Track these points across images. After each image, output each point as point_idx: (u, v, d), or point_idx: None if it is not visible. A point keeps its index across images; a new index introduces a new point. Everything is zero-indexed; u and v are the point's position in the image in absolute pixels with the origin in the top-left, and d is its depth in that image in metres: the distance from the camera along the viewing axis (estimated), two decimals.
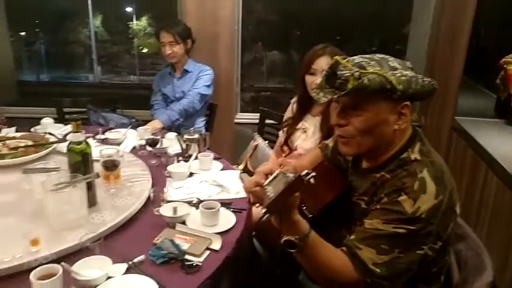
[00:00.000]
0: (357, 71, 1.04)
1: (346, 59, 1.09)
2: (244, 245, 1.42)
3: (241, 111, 3.35)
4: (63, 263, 1.07)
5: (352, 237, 1.09)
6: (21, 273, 1.09)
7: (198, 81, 2.76)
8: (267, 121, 2.81)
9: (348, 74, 1.05)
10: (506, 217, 2.00)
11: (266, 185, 1.02)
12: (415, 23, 3.19)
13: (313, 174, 0.93)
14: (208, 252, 1.26)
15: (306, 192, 1.02)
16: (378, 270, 1.02)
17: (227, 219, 1.43)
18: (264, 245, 1.52)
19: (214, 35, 2.94)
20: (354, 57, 1.10)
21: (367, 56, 1.10)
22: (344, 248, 1.08)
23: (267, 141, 2.42)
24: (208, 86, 2.76)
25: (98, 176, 1.40)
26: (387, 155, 1.14)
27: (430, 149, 1.14)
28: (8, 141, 1.94)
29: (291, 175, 0.94)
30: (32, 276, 1.03)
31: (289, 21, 3.62)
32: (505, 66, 2.68)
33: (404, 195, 1.03)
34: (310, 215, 1.06)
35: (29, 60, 4.36)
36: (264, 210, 0.99)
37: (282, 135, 2.17)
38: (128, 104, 3.22)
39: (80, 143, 1.39)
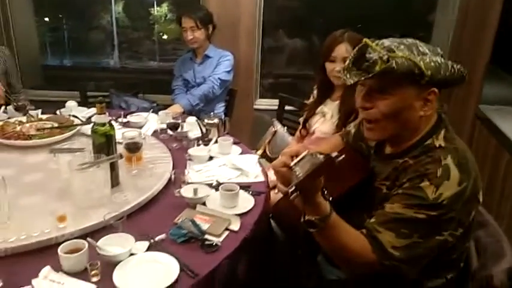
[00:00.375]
0: (386, 54, 1.03)
1: (375, 42, 1.08)
2: (262, 226, 1.44)
3: (261, 98, 3.36)
4: (88, 239, 1.12)
5: (373, 220, 1.10)
6: (49, 248, 1.14)
7: (219, 66, 2.77)
8: (287, 107, 2.81)
9: (376, 57, 1.05)
10: None
11: (294, 165, 1.02)
12: (441, 10, 3.11)
13: (343, 156, 0.93)
14: (227, 232, 1.29)
15: (328, 177, 1.03)
16: (397, 253, 1.03)
17: (246, 201, 1.46)
18: (282, 227, 1.54)
19: (235, 20, 2.94)
20: (383, 40, 1.09)
21: (397, 39, 1.08)
22: (364, 231, 1.09)
23: (286, 128, 2.43)
24: (228, 71, 2.77)
25: (121, 156, 1.44)
26: (411, 141, 1.13)
27: (455, 136, 1.13)
28: (35, 123, 2.00)
29: (321, 156, 0.95)
30: (60, 250, 1.08)
31: (311, 8, 3.57)
32: None
33: (427, 181, 1.03)
34: (330, 198, 1.07)
35: (52, 46, 4.43)
36: (292, 189, 0.99)
37: (301, 120, 2.18)
38: (149, 88, 3.26)
39: (104, 124, 1.42)
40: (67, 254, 1.08)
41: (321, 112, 2.07)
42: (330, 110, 2.03)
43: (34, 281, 1.02)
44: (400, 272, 1.06)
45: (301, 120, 2.20)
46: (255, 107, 3.23)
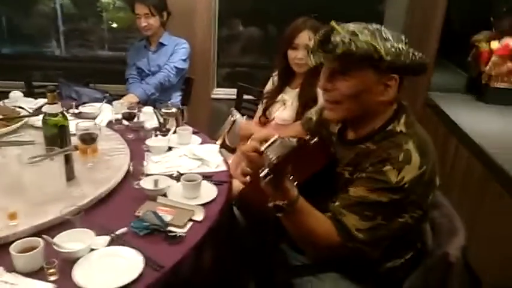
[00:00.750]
0: (349, 38, 1.05)
1: (341, 26, 1.09)
2: (225, 215, 1.43)
3: (218, 87, 3.32)
4: (44, 236, 1.06)
5: (337, 203, 1.12)
6: (0, 247, 1.06)
7: (174, 54, 2.70)
8: (245, 97, 2.80)
9: (339, 40, 1.06)
10: (475, 188, 2.10)
11: (265, 149, 1.02)
12: (390, 3, 3.21)
13: (316, 139, 0.94)
14: (191, 223, 1.27)
15: (293, 163, 1.04)
16: (361, 235, 1.06)
17: (209, 191, 1.44)
18: (245, 215, 1.54)
19: (190, 7, 2.88)
20: (349, 24, 1.11)
21: (363, 24, 1.10)
22: (328, 214, 1.11)
23: (244, 117, 2.41)
24: (184, 60, 2.71)
25: (76, 148, 1.37)
26: (372, 127, 1.16)
27: (415, 122, 1.17)
28: None
29: (294, 140, 0.95)
30: (12, 249, 1.01)
31: None
32: (476, 44, 2.76)
33: (389, 165, 1.06)
34: (295, 183, 1.08)
35: None
36: (265, 173, 0.99)
37: (260, 107, 2.18)
38: (101, 78, 3.12)
39: (56, 115, 1.35)
40: (20, 253, 1.01)
41: (282, 100, 2.08)
42: (290, 97, 2.05)
43: None
44: (363, 254, 1.09)
45: (260, 108, 2.20)
46: (213, 96, 3.19)
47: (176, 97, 2.80)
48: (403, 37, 1.12)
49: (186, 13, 2.88)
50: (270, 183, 1.03)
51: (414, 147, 1.07)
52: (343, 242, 1.08)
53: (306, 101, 1.89)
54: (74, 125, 1.54)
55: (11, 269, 1.00)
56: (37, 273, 1.01)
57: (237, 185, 1.49)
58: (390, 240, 1.11)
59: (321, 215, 1.12)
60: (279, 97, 2.07)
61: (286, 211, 1.06)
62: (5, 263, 1.01)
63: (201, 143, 1.87)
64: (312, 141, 0.96)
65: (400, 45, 1.08)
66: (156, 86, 2.60)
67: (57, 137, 1.35)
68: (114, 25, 4.30)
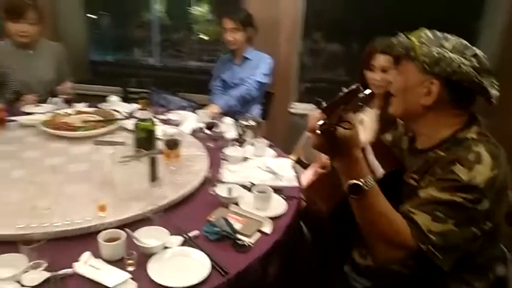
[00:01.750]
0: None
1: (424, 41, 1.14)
2: (293, 231, 1.45)
3: (298, 101, 3.36)
4: (126, 229, 1.17)
5: (406, 205, 1.10)
6: (90, 235, 1.19)
7: (257, 69, 2.80)
8: None
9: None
10: None
11: None
12: (487, 17, 3.01)
13: (369, 91, 0.93)
14: (259, 234, 1.31)
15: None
16: (433, 237, 1.03)
17: (279, 205, 1.47)
18: (312, 231, 1.55)
19: (275, 23, 2.97)
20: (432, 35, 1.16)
21: (441, 34, 1.15)
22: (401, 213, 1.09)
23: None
24: (266, 74, 2.80)
25: (161, 152, 1.49)
26: (441, 135, 1.16)
27: (488, 134, 1.15)
28: (81, 115, 2.10)
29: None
30: (100, 237, 1.13)
31: (352, 12, 3.54)
32: None
33: (459, 165, 1.04)
34: None
35: (99, 42, 4.63)
36: (321, 123, 0.95)
37: None
38: (188, 87, 3.34)
39: (146, 120, 1.48)
40: (106, 242, 1.13)
41: (359, 120, 2.06)
42: (368, 118, 2.02)
43: (76, 265, 1.08)
44: (435, 262, 1.04)
45: None
46: (291, 110, 3.24)
47: (256, 110, 2.89)
48: (471, 51, 1.10)
49: (271, 28, 2.98)
50: (328, 134, 0.96)
51: (485, 150, 1.06)
52: (416, 243, 1.04)
53: (385, 123, 1.85)
54: (161, 131, 1.67)
55: (97, 255, 1.12)
56: (118, 262, 1.11)
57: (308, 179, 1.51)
58: (461, 252, 1.06)
59: (394, 209, 1.08)
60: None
61: (363, 190, 1.02)
62: (92, 249, 1.13)
63: (276, 156, 1.91)
64: (363, 92, 0.92)
65: (451, 54, 1.08)
66: (238, 99, 2.71)
67: (145, 140, 1.48)
68: (204, 37, 4.57)
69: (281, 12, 2.96)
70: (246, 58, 2.85)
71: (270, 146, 2.02)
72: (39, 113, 2.15)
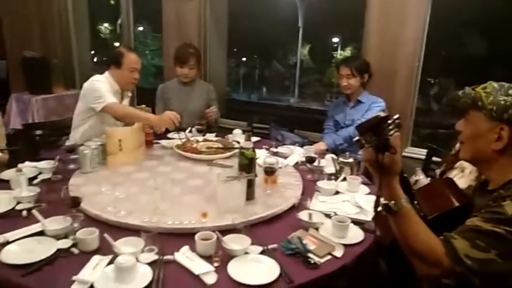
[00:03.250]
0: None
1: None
2: (369, 262, 1.55)
3: (413, 146, 3.34)
4: (218, 233, 1.45)
5: (451, 232, 1.18)
6: (190, 234, 1.49)
7: (369, 111, 2.92)
8: (435, 159, 2.77)
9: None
10: None
11: None
12: None
13: (397, 115, 1.10)
14: (329, 257, 1.46)
15: (427, 194, 1.26)
16: (469, 262, 1.08)
17: (356, 235, 1.60)
18: (390, 268, 1.62)
19: (392, 70, 3.08)
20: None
21: (506, 84, 1.23)
22: (441, 237, 1.17)
23: (429, 178, 2.41)
24: None
25: (256, 175, 1.77)
26: (507, 177, 1.21)
27: None
28: (206, 143, 2.54)
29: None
30: (197, 236, 1.44)
31: (477, 59, 3.42)
32: None
33: (509, 200, 1.10)
34: (421, 214, 1.19)
35: (244, 82, 5.28)
36: (356, 138, 1.16)
37: (437, 171, 2.17)
38: (306, 126, 3.61)
39: (248, 149, 1.78)
40: (201, 240, 1.43)
41: (460, 167, 2.03)
42: (469, 165, 1.98)
43: (176, 254, 1.40)
44: (471, 284, 1.09)
45: (437, 171, 2.19)
46: (404, 154, 3.23)
47: None
48: None
49: (388, 75, 3.08)
50: (378, 177, 1.15)
51: None
52: (451, 264, 1.10)
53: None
54: (262, 159, 1.96)
55: (193, 249, 1.43)
56: (207, 258, 1.39)
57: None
58: (506, 280, 1.08)
59: (430, 231, 1.17)
60: (458, 163, 2.03)
61: (393, 210, 1.16)
62: (190, 245, 1.44)
63: (368, 193, 2.02)
64: (391, 119, 1.09)
65: None
66: (345, 138, 2.87)
67: (246, 165, 1.77)
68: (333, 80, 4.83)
69: (399, 60, 3.05)
70: (359, 101, 3.00)
71: (366, 184, 2.13)
72: (177, 138, 2.67)
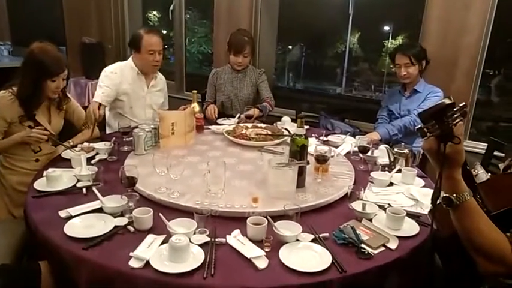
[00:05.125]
0: None
1: None
2: (424, 256, 1.48)
3: (472, 139, 3.16)
4: (269, 218, 1.44)
5: None
6: (242, 218, 1.50)
7: (426, 101, 2.79)
8: (496, 153, 2.60)
9: None
10: None
11: None
12: None
13: (464, 104, 1.02)
14: (383, 248, 1.42)
15: (490, 188, 1.17)
16: None
17: (411, 228, 1.54)
18: (445, 264, 1.54)
19: (452, 60, 2.92)
20: None
21: None
22: (507, 233, 1.10)
23: (489, 174, 2.27)
24: None
25: (308, 163, 1.74)
26: None
27: None
28: (255, 129, 2.53)
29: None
30: (248, 221, 1.44)
31: None
32: None
33: None
34: (484, 209, 1.11)
35: (290, 70, 5.23)
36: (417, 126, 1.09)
37: (501, 166, 2.04)
38: (356, 115, 3.52)
39: (301, 136, 1.75)
40: (252, 224, 1.42)
41: None
42: None
43: (228, 237, 1.41)
44: None
45: (501, 166, 2.05)
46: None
47: (419, 142, 2.87)
48: None
49: (447, 65, 2.93)
50: (429, 145, 1.07)
51: None
52: None
53: None
54: (314, 147, 1.92)
55: (244, 233, 1.43)
56: (258, 243, 1.39)
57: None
58: None
59: (495, 227, 1.09)
60: None
61: (454, 204, 1.08)
62: (241, 229, 1.44)
63: (423, 186, 1.93)
64: (457, 106, 1.01)
65: None
66: (400, 129, 2.76)
67: (298, 152, 1.74)
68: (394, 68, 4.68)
69: (460, 50, 2.89)
70: (416, 91, 2.87)
71: (422, 176, 2.04)
72: (226, 124, 2.68)
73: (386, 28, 4.90)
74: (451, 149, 1.05)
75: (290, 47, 5.29)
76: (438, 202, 1.13)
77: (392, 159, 2.13)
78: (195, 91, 2.73)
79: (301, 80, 5.31)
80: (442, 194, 1.11)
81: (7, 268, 1.58)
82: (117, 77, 2.67)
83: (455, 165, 1.09)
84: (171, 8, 4.52)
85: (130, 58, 2.79)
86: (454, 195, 1.09)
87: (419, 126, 1.09)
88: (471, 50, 2.87)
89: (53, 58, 2.09)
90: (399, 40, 4.76)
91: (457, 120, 1.03)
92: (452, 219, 1.15)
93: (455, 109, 1.03)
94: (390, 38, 4.80)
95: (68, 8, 5.08)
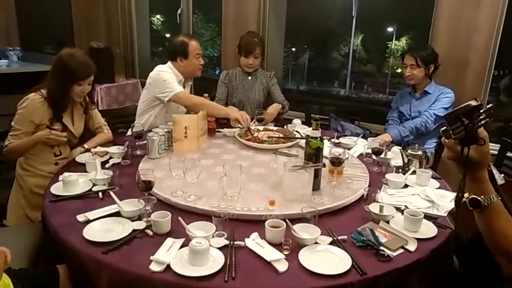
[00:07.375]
0: None
1: None
2: (442, 259, 1.48)
3: None
4: (287, 221, 1.44)
5: None
6: (260, 221, 1.51)
7: (437, 102, 2.79)
8: (509, 154, 2.59)
9: None
10: None
11: None
12: None
13: (491, 105, 0.99)
14: (402, 250, 1.41)
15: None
16: None
17: (429, 229, 1.53)
18: (464, 266, 1.53)
19: (463, 60, 2.90)
20: None
21: None
22: None
23: (502, 175, 2.26)
24: (446, 108, 2.75)
25: (324, 165, 1.74)
26: None
27: None
28: (267, 132, 2.54)
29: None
30: (267, 224, 1.44)
31: None
32: None
33: None
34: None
35: (293, 72, 5.23)
36: (443, 129, 1.07)
37: None
38: (366, 117, 3.51)
39: (316, 138, 1.75)
40: (271, 227, 1.42)
41: None
42: None
43: (246, 240, 1.41)
44: None
45: None
46: None
47: (431, 143, 2.86)
48: None
49: (458, 65, 2.91)
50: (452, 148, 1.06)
51: None
52: None
53: None
54: (328, 150, 1.92)
55: (262, 236, 1.43)
56: (277, 246, 1.39)
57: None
58: None
59: None
60: None
61: (482, 205, 1.07)
62: (260, 232, 1.44)
63: (438, 188, 1.93)
64: (482, 107, 0.99)
65: None
66: (411, 130, 2.76)
67: (313, 155, 1.74)
68: (398, 70, 4.67)
69: (471, 49, 2.87)
70: (426, 92, 2.87)
71: (436, 178, 2.03)
72: (238, 127, 2.68)
73: (390, 29, 4.91)
74: (476, 151, 1.04)
75: (294, 49, 5.30)
76: (463, 203, 1.12)
77: (406, 160, 2.13)
78: (206, 94, 2.74)
79: (306, 82, 5.31)
80: (466, 195, 1.11)
81: (25, 272, 1.59)
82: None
83: (482, 166, 1.08)
84: (179, 11, 4.54)
85: (169, 63, 2.76)
86: (482, 197, 1.08)
87: (444, 128, 1.08)
88: (482, 49, 2.85)
89: (80, 63, 2.16)
90: (402, 41, 4.76)
91: (483, 122, 1.03)
92: (478, 222, 1.14)
93: (481, 110, 1.03)
94: (394, 39, 4.79)
95: (77, 13, 5.12)
